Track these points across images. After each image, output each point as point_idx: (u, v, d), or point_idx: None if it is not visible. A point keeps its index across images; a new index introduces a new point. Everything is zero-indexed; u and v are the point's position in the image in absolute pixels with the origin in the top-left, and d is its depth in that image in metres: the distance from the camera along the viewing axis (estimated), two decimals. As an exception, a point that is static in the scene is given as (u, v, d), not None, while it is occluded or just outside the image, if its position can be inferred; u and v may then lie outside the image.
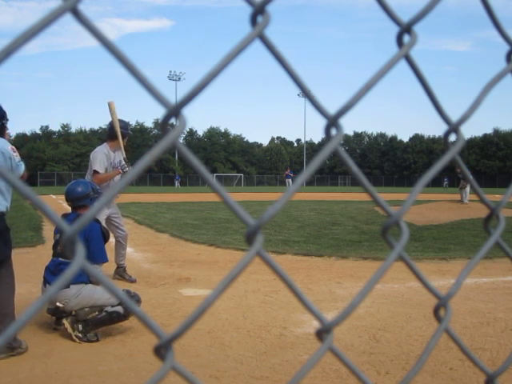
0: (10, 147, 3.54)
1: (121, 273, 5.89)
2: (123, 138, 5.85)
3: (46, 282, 3.91)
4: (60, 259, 3.89)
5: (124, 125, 5.95)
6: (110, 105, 5.79)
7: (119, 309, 3.75)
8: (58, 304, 3.75)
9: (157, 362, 0.44)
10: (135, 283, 5.69)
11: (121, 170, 5.72)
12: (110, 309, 3.76)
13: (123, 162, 5.76)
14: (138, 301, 3.80)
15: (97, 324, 3.74)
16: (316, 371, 3.06)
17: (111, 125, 5.88)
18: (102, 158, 5.72)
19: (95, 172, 5.65)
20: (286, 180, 40.54)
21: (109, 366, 3.23)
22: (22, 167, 3.68)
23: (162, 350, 0.44)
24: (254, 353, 3.50)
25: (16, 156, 3.58)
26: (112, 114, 5.79)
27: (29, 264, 6.40)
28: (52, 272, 3.88)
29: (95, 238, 3.90)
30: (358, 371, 0.58)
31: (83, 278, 3.78)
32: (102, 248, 3.97)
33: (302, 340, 3.76)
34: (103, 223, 5.24)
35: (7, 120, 3.68)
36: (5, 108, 3.64)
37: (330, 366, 3.14)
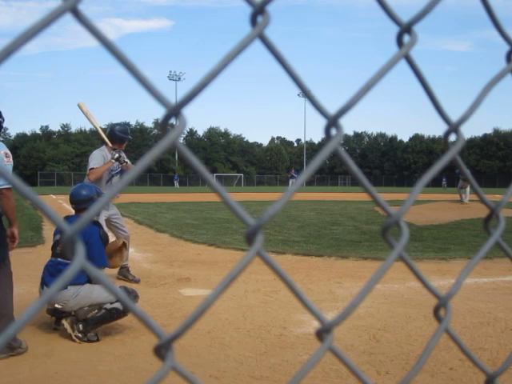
0: (3, 152, 3.42)
1: (124, 273, 5.88)
2: (123, 143, 5.83)
3: (44, 283, 3.89)
4: (59, 259, 3.89)
5: (123, 129, 5.90)
6: (80, 106, 5.66)
7: (118, 305, 3.76)
8: (56, 306, 3.74)
9: (157, 361, 0.44)
10: (137, 283, 5.68)
11: (112, 161, 5.63)
12: (108, 306, 3.77)
13: (116, 155, 5.64)
14: (136, 297, 3.83)
15: (97, 322, 3.75)
16: (316, 371, 3.06)
17: (110, 128, 5.85)
18: (97, 157, 5.67)
19: (90, 169, 5.60)
20: (290, 180, 40.76)
21: (109, 366, 3.23)
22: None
23: (162, 350, 0.44)
24: (254, 353, 3.50)
25: (7, 162, 3.40)
26: (86, 115, 5.69)
27: (29, 264, 6.40)
28: (50, 273, 3.88)
29: (95, 243, 3.88)
30: (358, 371, 0.58)
31: (81, 279, 3.77)
32: (102, 252, 3.96)
33: (302, 340, 3.75)
34: (103, 225, 5.22)
35: (3, 119, 3.61)
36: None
37: (330, 366, 3.14)
